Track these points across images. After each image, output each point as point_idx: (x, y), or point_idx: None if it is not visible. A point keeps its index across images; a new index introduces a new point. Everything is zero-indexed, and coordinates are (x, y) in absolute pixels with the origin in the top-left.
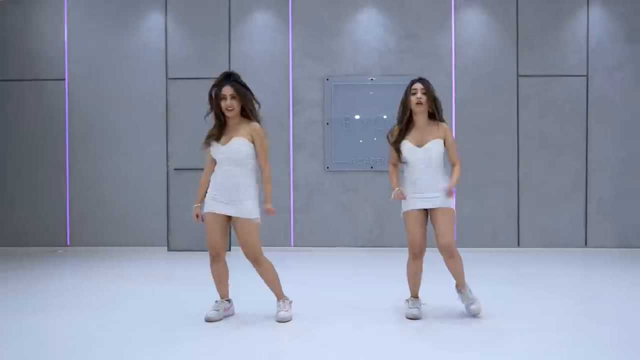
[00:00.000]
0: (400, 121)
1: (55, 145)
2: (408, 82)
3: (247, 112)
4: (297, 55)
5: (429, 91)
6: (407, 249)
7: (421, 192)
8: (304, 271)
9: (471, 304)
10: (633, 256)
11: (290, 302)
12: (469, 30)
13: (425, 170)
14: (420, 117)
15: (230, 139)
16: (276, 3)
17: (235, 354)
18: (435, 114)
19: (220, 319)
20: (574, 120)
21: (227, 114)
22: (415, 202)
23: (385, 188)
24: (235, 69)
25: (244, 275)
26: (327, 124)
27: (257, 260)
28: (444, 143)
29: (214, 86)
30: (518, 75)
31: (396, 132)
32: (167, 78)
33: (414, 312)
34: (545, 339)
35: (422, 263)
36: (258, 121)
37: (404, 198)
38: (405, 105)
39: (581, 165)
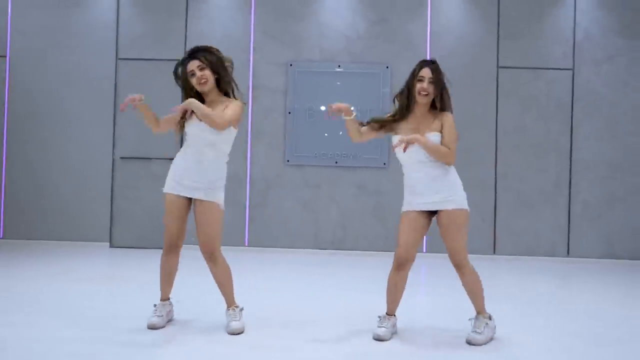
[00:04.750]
0: (401, 106)
1: None
2: (379, 70)
3: (223, 85)
4: (258, 38)
5: (438, 80)
6: (372, 253)
7: (420, 193)
8: (258, 274)
9: (477, 331)
10: (619, 268)
11: (242, 310)
12: (446, 17)
13: (422, 170)
14: (422, 107)
15: None
16: None
17: None
18: (438, 104)
19: (164, 326)
20: (557, 116)
21: (201, 88)
22: (414, 202)
23: (351, 186)
24: None
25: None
26: (289, 113)
27: (213, 256)
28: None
29: (176, 67)
30: (498, 67)
31: (390, 115)
32: (117, 58)
33: (380, 331)
34: None
35: (406, 275)
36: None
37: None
38: (409, 89)
39: (564, 166)
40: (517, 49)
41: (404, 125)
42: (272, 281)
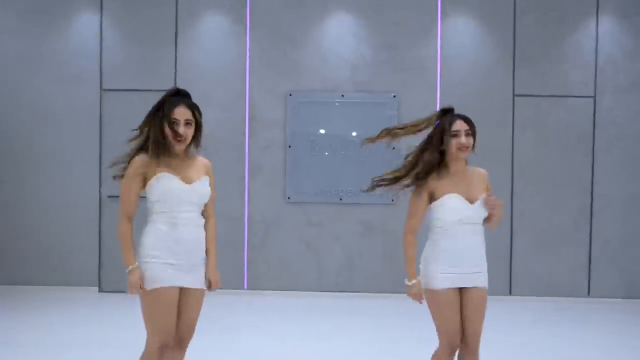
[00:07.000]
0: (430, 164)
1: None
2: (385, 100)
3: (194, 143)
4: (254, 66)
5: (474, 131)
6: (380, 295)
7: (461, 265)
8: (257, 320)
9: None
10: None
11: None
12: (458, 41)
13: (473, 237)
14: (460, 163)
15: (191, 176)
16: (231, 4)
17: None
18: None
19: None
20: (578, 148)
21: (177, 145)
22: (451, 278)
23: (356, 222)
24: (182, 79)
25: None
26: (289, 147)
27: (188, 343)
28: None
29: (163, 102)
30: (514, 95)
31: (422, 180)
32: (101, 89)
33: None
34: None
35: None
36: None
37: (420, 302)
38: (435, 146)
39: (585, 201)
40: (533, 76)
41: (447, 183)
42: (273, 329)
